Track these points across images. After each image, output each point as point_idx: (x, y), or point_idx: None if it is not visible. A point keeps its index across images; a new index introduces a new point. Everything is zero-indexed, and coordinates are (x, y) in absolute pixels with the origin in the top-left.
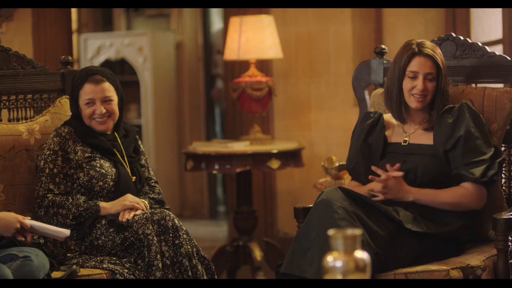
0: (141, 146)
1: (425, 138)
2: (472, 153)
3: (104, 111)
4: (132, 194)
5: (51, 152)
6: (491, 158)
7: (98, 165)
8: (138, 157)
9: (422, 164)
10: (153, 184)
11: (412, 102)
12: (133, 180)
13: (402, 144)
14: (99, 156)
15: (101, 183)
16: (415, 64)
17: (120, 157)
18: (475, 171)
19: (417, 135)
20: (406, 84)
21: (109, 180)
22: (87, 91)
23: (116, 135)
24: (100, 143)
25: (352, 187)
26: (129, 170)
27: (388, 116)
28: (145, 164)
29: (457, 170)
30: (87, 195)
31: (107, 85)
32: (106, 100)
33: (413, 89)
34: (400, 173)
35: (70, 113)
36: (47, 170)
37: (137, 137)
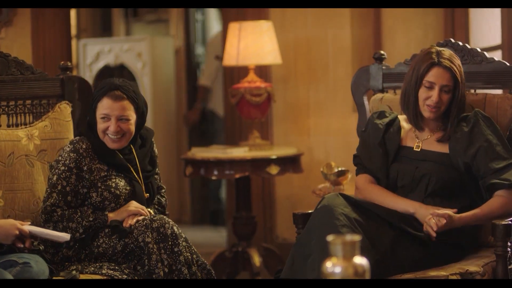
0: (156, 151)
1: (439, 146)
2: (496, 160)
3: (117, 129)
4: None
5: (66, 168)
6: None
7: (113, 185)
8: (154, 170)
9: (435, 171)
10: (162, 193)
11: (425, 112)
12: (146, 197)
13: (414, 149)
14: (114, 174)
15: (113, 204)
16: (433, 75)
17: (134, 172)
18: (508, 176)
19: (430, 142)
20: (422, 93)
21: (122, 201)
22: (105, 105)
23: (132, 147)
24: (116, 162)
25: (367, 182)
26: (143, 187)
27: (402, 118)
28: (158, 171)
29: (487, 180)
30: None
31: (125, 103)
32: (122, 119)
33: (427, 99)
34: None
35: (70, 119)
36: (59, 187)
37: (153, 141)
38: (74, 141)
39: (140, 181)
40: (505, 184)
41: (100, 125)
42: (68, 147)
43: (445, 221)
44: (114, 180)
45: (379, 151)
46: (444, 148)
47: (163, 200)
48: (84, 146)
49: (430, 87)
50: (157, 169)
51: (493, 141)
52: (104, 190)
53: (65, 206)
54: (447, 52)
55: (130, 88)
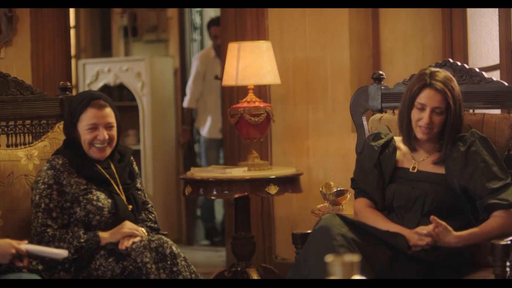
0: (136, 168)
1: (435, 167)
2: (493, 180)
3: (107, 137)
4: (131, 222)
5: (46, 186)
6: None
7: (94, 198)
8: (134, 183)
9: (431, 192)
10: (150, 208)
11: (418, 133)
12: (130, 208)
13: (410, 170)
14: (94, 187)
15: (98, 217)
16: (424, 97)
17: (115, 185)
18: (506, 196)
19: (426, 164)
20: (414, 114)
21: (106, 213)
22: (90, 115)
23: (110, 162)
24: (95, 175)
25: (363, 206)
26: (124, 199)
27: (398, 139)
28: (141, 188)
29: (484, 200)
30: (84, 228)
31: (109, 111)
32: (108, 126)
33: (419, 120)
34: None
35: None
36: (43, 205)
37: (132, 158)
38: (50, 159)
39: (120, 194)
40: (504, 204)
41: (87, 136)
42: (45, 165)
43: (428, 240)
44: (94, 193)
45: (374, 173)
46: (440, 169)
47: (152, 216)
48: (60, 162)
49: (422, 108)
50: (139, 185)
51: (490, 162)
52: (86, 204)
53: (54, 225)
54: (441, 73)
55: (106, 96)
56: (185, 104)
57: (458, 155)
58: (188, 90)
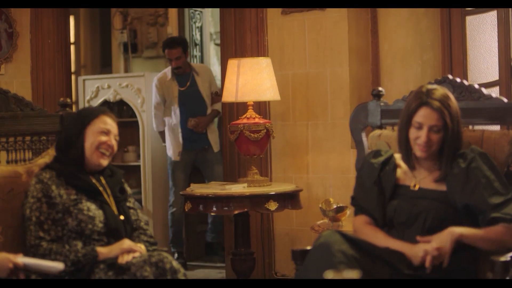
0: (128, 189)
1: (436, 185)
2: (495, 196)
3: (114, 145)
4: (122, 233)
5: (35, 199)
6: None
7: (85, 207)
8: (124, 196)
9: (432, 209)
10: (143, 226)
11: (417, 151)
12: (122, 219)
13: (411, 188)
14: (85, 198)
15: (90, 225)
16: (421, 115)
17: (106, 196)
18: (509, 211)
19: (428, 181)
20: (412, 133)
21: (98, 222)
22: (106, 121)
23: (101, 177)
24: (85, 185)
25: (363, 223)
26: (115, 209)
27: (398, 156)
28: (133, 206)
29: (487, 215)
30: (78, 239)
31: (116, 125)
32: (115, 138)
33: (417, 139)
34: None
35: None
36: (33, 219)
37: (123, 180)
38: (38, 173)
39: (111, 204)
40: (507, 218)
41: (97, 138)
42: (33, 180)
43: (434, 254)
44: (85, 203)
45: (374, 190)
46: (441, 186)
47: (148, 232)
48: (47, 176)
49: (419, 127)
50: (131, 204)
51: (491, 177)
52: (77, 213)
53: (47, 236)
54: (438, 91)
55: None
56: (155, 129)
57: (459, 172)
58: (152, 114)
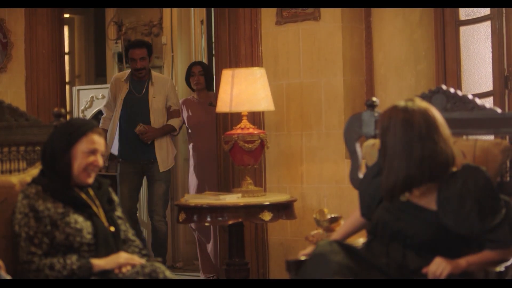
0: (116, 198)
1: (426, 201)
2: (490, 217)
3: (100, 162)
4: (112, 245)
5: (23, 215)
6: (506, 214)
7: (72, 220)
8: (112, 206)
9: (414, 229)
10: (131, 237)
11: None
12: (112, 230)
13: (401, 199)
14: (72, 210)
15: (78, 238)
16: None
17: (95, 208)
18: (503, 237)
19: (419, 197)
20: None
21: (86, 234)
22: (94, 140)
23: (89, 189)
24: (74, 199)
25: (351, 215)
26: (105, 221)
27: None
28: (121, 216)
29: (482, 237)
30: (67, 253)
31: (103, 141)
32: (101, 155)
33: None
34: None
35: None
36: (23, 234)
37: (110, 189)
38: (24, 189)
39: (100, 216)
40: (501, 244)
41: (84, 160)
42: (20, 196)
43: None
44: (72, 216)
45: (373, 184)
46: (431, 204)
47: (136, 243)
48: (33, 191)
49: None
50: (120, 213)
51: (483, 199)
52: (65, 227)
53: (38, 251)
54: (416, 105)
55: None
56: (101, 125)
57: (451, 195)
58: (103, 114)
